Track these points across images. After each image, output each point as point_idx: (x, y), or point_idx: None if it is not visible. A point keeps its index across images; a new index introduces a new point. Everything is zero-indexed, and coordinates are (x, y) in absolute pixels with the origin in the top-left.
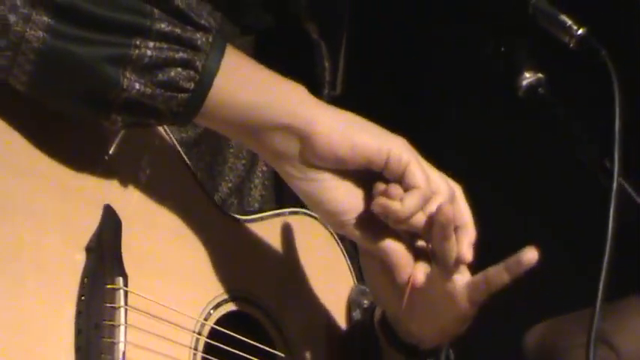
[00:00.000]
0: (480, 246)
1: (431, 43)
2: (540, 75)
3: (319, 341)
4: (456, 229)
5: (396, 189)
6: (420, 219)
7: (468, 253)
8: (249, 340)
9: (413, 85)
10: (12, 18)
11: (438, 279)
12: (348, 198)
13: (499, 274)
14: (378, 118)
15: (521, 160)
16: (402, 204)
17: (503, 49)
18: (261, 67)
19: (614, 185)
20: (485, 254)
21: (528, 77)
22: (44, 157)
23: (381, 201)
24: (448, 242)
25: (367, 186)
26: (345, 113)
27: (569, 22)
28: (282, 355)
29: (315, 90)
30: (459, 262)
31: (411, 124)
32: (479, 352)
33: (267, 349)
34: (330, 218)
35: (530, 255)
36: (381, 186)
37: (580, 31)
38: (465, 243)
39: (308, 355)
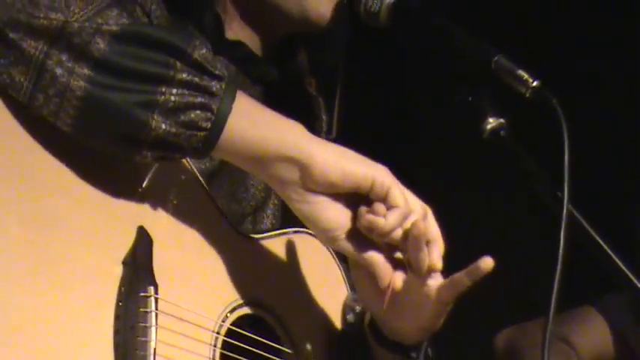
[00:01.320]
0: (448, 255)
1: (412, 94)
2: (502, 120)
3: (319, 339)
4: (428, 242)
5: (380, 207)
6: (398, 234)
7: (438, 262)
8: (260, 339)
9: (397, 126)
10: (59, 71)
11: (414, 284)
12: (338, 217)
13: (462, 278)
14: (367, 152)
15: (487, 192)
16: (385, 220)
17: (470, 98)
18: (267, 109)
19: (565, 211)
20: (454, 262)
21: (492, 122)
22: (90, 183)
23: (368, 217)
24: (421, 253)
25: (354, 208)
26: (337, 146)
27: (526, 75)
28: (288, 351)
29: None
30: (430, 269)
31: (395, 156)
32: (456, 353)
33: (276, 345)
34: (323, 234)
35: (486, 263)
36: (365, 207)
37: (535, 83)
38: (435, 254)
39: (310, 351)
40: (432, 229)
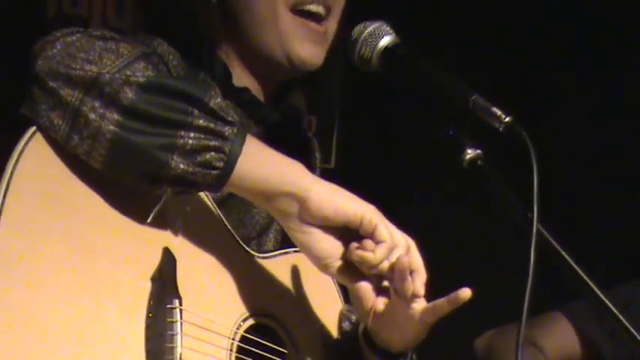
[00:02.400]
0: (435, 269)
1: (401, 129)
2: (479, 151)
3: (319, 345)
4: (412, 272)
5: (368, 243)
6: (385, 265)
7: (420, 290)
8: (268, 344)
9: (389, 156)
10: (92, 116)
11: (400, 306)
12: (330, 247)
13: (443, 304)
14: (361, 180)
15: (467, 212)
16: (374, 255)
17: (451, 132)
18: (272, 150)
19: (534, 229)
20: (441, 275)
21: (470, 153)
22: (121, 212)
23: (358, 252)
24: (406, 283)
25: (345, 239)
26: (332, 185)
27: (499, 112)
28: (292, 354)
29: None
30: (414, 296)
31: (386, 183)
32: (439, 355)
33: (281, 349)
34: (316, 261)
35: (464, 293)
36: (356, 243)
37: (507, 119)
38: (418, 282)
39: (311, 355)
40: (416, 261)
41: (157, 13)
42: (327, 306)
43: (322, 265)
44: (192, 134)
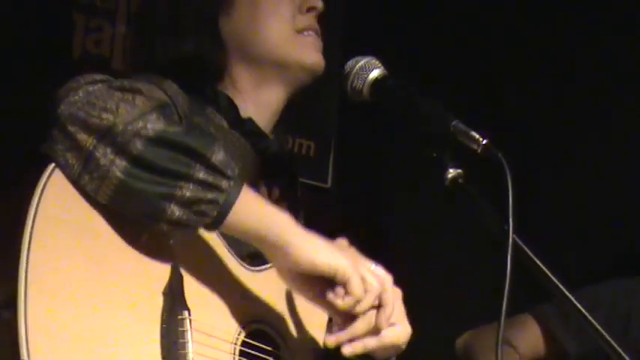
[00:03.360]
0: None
1: (390, 150)
2: (460, 170)
3: (309, 347)
4: (379, 307)
5: (340, 290)
6: (356, 307)
7: (382, 325)
8: (265, 347)
9: (378, 177)
10: (102, 161)
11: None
12: (309, 287)
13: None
14: (353, 200)
15: (450, 226)
16: (342, 302)
17: (434, 154)
18: (262, 202)
19: (510, 240)
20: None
21: (452, 172)
22: (132, 234)
23: (330, 297)
24: (368, 326)
25: (323, 280)
26: (314, 239)
27: (477, 135)
28: (286, 356)
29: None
30: (377, 329)
31: (377, 199)
32: (421, 355)
33: (276, 352)
34: (300, 292)
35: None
36: (330, 288)
37: (484, 142)
38: (381, 318)
39: (302, 356)
40: (387, 297)
41: (162, 54)
42: (316, 313)
43: (304, 297)
44: (191, 186)
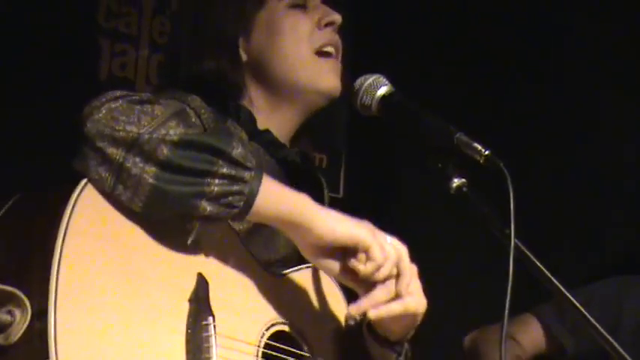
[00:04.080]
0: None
1: (399, 162)
2: (464, 179)
3: (329, 343)
4: (398, 275)
5: (362, 256)
6: (375, 278)
7: (402, 290)
8: (288, 348)
9: (387, 188)
10: (134, 170)
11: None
12: (333, 260)
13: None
14: (364, 209)
15: (456, 231)
16: (365, 268)
17: (440, 165)
18: (283, 188)
19: (512, 243)
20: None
21: (456, 182)
22: (160, 245)
23: (353, 263)
24: (389, 292)
25: (346, 252)
26: (333, 213)
27: (480, 147)
28: (308, 355)
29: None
30: (398, 296)
31: (387, 206)
32: (431, 351)
33: (299, 352)
34: (324, 270)
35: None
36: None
37: (486, 152)
38: (402, 284)
39: (323, 352)
40: (404, 266)
41: (185, 73)
42: (334, 310)
43: (328, 273)
44: (217, 181)
